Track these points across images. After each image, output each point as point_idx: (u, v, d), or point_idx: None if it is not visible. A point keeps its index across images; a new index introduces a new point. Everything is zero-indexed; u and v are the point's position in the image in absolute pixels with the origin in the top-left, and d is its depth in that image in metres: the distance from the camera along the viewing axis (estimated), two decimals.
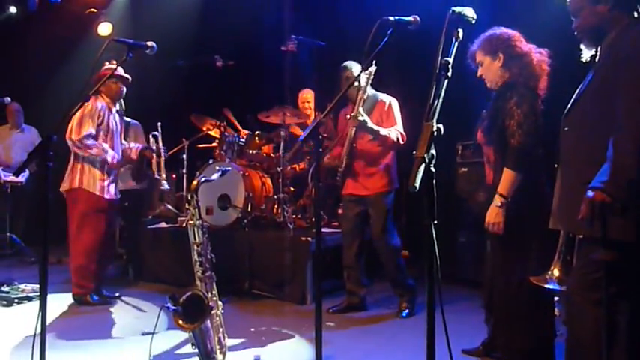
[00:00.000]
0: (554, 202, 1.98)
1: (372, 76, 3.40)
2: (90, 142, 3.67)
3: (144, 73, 5.64)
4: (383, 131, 3.40)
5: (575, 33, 1.92)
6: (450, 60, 1.62)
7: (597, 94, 1.81)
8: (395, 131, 3.46)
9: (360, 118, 3.34)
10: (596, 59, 1.90)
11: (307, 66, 4.94)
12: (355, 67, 3.56)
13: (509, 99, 2.39)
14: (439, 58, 1.62)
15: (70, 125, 3.66)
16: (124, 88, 3.93)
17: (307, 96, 5.11)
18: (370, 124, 3.36)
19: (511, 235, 2.39)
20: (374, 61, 3.31)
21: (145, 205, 5.19)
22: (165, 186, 4.30)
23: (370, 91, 3.55)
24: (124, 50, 2.42)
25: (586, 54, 1.92)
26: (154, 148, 4.20)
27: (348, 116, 3.43)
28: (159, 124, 4.33)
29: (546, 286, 2.01)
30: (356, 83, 3.36)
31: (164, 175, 4.30)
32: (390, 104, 3.56)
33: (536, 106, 2.40)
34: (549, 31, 2.55)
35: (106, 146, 3.75)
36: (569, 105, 1.95)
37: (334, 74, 3.67)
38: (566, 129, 1.92)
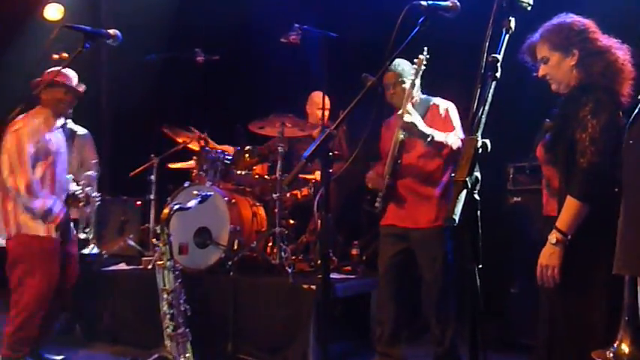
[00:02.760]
0: (617, 239, 1.93)
1: (422, 68, 3.43)
2: (34, 192, 3.65)
3: (104, 70, 5.76)
4: (438, 135, 3.38)
5: None
6: (499, 57, 1.63)
7: None
8: (454, 136, 3.45)
9: (408, 117, 3.34)
10: None
11: (314, 63, 4.99)
12: (401, 65, 3.58)
13: (583, 105, 2.36)
14: (485, 55, 1.64)
15: (4, 166, 3.64)
16: (73, 102, 3.93)
17: (321, 100, 5.11)
18: (422, 125, 3.35)
19: (572, 287, 2.34)
20: (425, 49, 3.39)
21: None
22: (94, 250, 4.14)
23: (420, 94, 3.60)
24: (79, 40, 2.46)
25: None
26: (82, 195, 4.02)
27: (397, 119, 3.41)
28: (94, 161, 4.22)
29: None
30: (406, 83, 3.44)
31: (92, 236, 4.15)
32: (447, 109, 3.60)
33: (617, 118, 2.36)
34: (616, 21, 2.56)
35: (49, 202, 3.72)
36: (636, 111, 1.94)
37: (348, 74, 3.70)
38: (631, 142, 1.91)
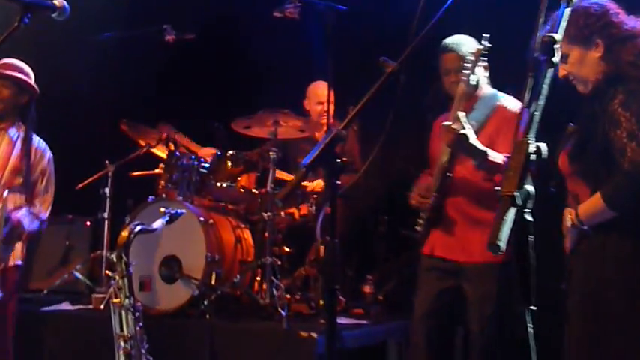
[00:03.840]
0: None
1: (479, 63, 3.33)
2: None
3: (49, 52, 5.77)
4: (494, 155, 3.27)
5: None
6: (558, 36, 1.64)
7: None
8: None
9: (458, 127, 3.23)
10: None
11: (317, 44, 5.01)
12: (466, 45, 3.48)
13: (611, 98, 2.46)
14: (538, 33, 1.64)
15: None
16: (18, 95, 4.00)
17: (325, 92, 5.10)
18: (473, 139, 3.22)
19: (614, 325, 2.43)
20: (486, 37, 3.34)
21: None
22: None
23: (486, 87, 3.54)
24: (15, 12, 2.48)
25: None
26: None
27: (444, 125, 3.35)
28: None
29: None
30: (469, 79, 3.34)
31: None
32: (518, 113, 3.48)
33: None
34: None
35: None
36: None
37: (361, 58, 3.71)
38: None
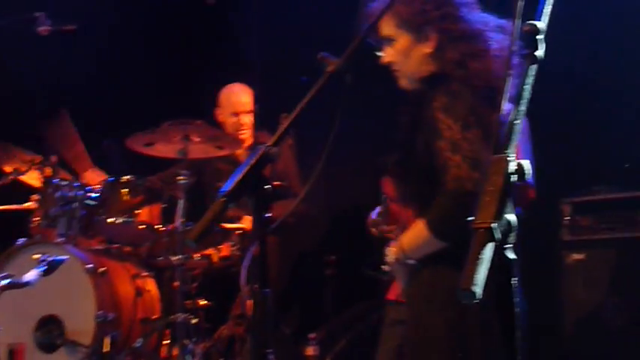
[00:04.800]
0: None
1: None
2: None
3: None
4: None
5: None
6: (542, 25, 1.68)
7: None
8: None
9: None
10: None
11: (238, 34, 5.04)
12: None
13: (429, 102, 2.55)
14: (518, 23, 1.69)
15: None
16: None
17: (242, 99, 5.16)
18: None
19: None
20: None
21: None
22: None
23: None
24: None
25: None
26: None
27: None
28: None
29: None
30: None
31: None
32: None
33: (481, 110, 2.52)
34: None
35: None
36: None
37: (294, 52, 3.73)
38: None
